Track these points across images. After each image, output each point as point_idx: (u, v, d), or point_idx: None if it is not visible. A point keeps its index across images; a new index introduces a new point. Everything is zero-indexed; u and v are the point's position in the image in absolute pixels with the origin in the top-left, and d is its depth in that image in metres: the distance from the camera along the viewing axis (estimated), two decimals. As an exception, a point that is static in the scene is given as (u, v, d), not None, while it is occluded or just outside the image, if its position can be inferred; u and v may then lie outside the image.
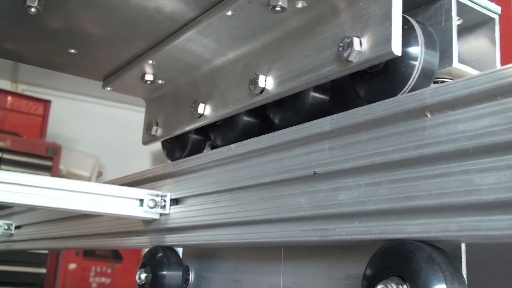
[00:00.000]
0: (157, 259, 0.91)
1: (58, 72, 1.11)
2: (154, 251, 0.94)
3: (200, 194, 0.87)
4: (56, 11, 0.82)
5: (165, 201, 0.94)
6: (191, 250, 0.99)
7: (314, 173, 0.64)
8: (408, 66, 0.60)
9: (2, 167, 3.43)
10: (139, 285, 0.93)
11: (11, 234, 1.62)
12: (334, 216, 0.60)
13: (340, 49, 0.62)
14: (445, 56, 0.64)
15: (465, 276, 0.52)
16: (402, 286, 0.50)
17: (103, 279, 3.91)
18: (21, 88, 4.39)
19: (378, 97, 0.59)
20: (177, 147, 1.02)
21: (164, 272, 0.90)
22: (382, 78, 0.63)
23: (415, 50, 0.60)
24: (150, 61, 0.94)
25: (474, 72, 0.65)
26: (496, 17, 0.68)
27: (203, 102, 0.90)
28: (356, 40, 0.60)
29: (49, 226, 1.42)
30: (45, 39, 0.94)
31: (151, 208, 0.94)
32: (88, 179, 4.07)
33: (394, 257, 0.52)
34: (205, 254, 0.95)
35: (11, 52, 1.02)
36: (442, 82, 0.65)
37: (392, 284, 0.50)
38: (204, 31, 0.81)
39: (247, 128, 0.87)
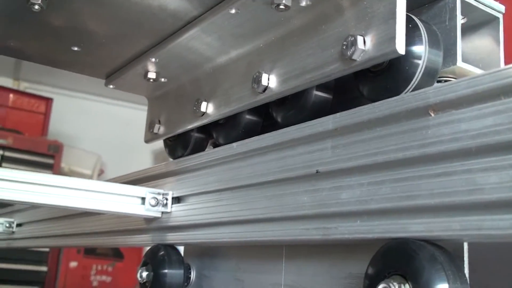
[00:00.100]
0: (159, 258, 0.91)
1: (60, 70, 1.11)
2: (155, 249, 0.94)
3: (202, 192, 0.87)
4: (59, 8, 0.82)
5: (167, 199, 0.94)
6: (193, 249, 0.99)
7: (317, 172, 0.64)
8: (411, 65, 0.60)
9: (4, 165, 3.44)
10: (140, 283, 0.93)
11: (13, 232, 1.62)
12: (336, 215, 0.60)
13: (344, 47, 0.62)
14: (449, 55, 0.63)
15: (467, 275, 0.52)
16: (404, 285, 0.49)
17: (104, 277, 3.92)
18: (23, 86, 4.40)
19: (382, 96, 0.59)
20: (179, 145, 1.02)
21: (166, 271, 0.89)
22: (385, 76, 0.62)
23: (419, 49, 0.60)
24: (153, 59, 0.94)
25: (477, 71, 0.65)
26: (500, 16, 0.68)
27: (205, 101, 0.90)
28: (360, 39, 0.60)
29: (51, 224, 1.42)
30: (48, 37, 0.94)
31: (153, 206, 0.94)
32: (90, 177, 4.07)
33: (396, 256, 0.52)
34: (207, 253, 0.95)
35: (14, 49, 1.02)
36: (445, 81, 0.65)
37: (394, 283, 0.50)
38: (208, 29, 0.81)
39: (249, 127, 0.87)
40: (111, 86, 1.10)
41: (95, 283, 3.88)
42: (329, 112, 0.65)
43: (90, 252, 3.88)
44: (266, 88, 0.75)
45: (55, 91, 4.38)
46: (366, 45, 0.59)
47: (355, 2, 0.62)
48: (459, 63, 0.63)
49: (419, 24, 0.61)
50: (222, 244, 0.85)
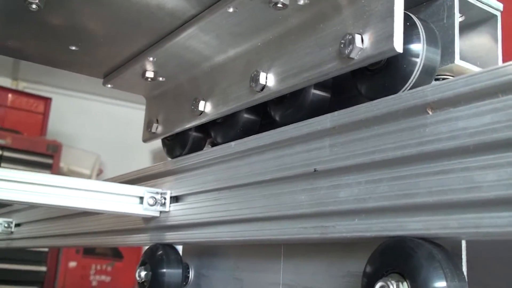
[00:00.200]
0: (157, 257, 0.91)
1: (59, 70, 1.11)
2: (154, 248, 0.94)
3: (200, 191, 0.87)
4: (57, 7, 0.82)
5: (165, 198, 0.94)
6: (191, 248, 0.99)
7: (315, 171, 0.64)
8: (409, 63, 0.60)
9: (3, 165, 3.43)
10: (139, 283, 0.92)
11: (11, 232, 1.62)
12: (334, 214, 0.60)
13: (342, 46, 0.62)
14: (447, 53, 0.63)
15: (465, 273, 0.51)
16: (402, 283, 0.49)
17: (103, 277, 3.92)
18: (22, 86, 4.39)
19: (379, 94, 0.59)
20: (177, 144, 1.02)
21: (164, 270, 0.89)
22: (383, 75, 0.62)
23: (417, 47, 0.60)
24: (151, 58, 0.93)
25: (475, 69, 0.64)
26: (498, 14, 0.67)
27: (203, 100, 0.90)
28: (357, 37, 0.60)
29: (49, 224, 1.42)
30: (46, 36, 0.94)
31: (151, 205, 0.93)
32: (89, 177, 4.07)
33: (394, 254, 0.52)
34: (205, 252, 0.95)
35: (12, 49, 1.02)
36: (443, 79, 0.64)
37: (392, 281, 0.50)
38: (205, 28, 0.81)
39: (247, 126, 0.87)
40: (109, 86, 1.09)
41: (94, 283, 3.87)
42: (327, 110, 0.65)
43: (89, 252, 3.87)
44: (264, 86, 0.75)
45: (53, 91, 4.37)
46: (364, 43, 0.59)
47: (353, 0, 0.62)
48: (457, 61, 0.63)
49: (417, 22, 0.61)
50: (221, 243, 0.85)
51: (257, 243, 0.80)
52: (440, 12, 0.65)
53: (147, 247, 0.97)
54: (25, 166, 3.49)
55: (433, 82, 0.61)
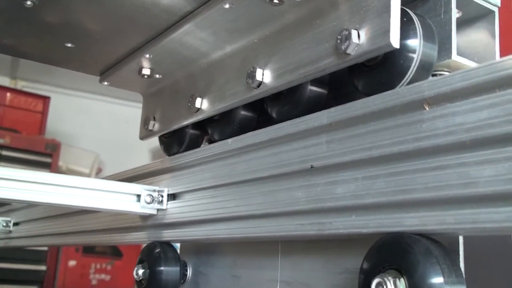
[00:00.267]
0: (155, 255, 0.91)
1: (57, 68, 1.11)
2: (151, 246, 0.93)
3: (197, 189, 0.87)
4: (52, 4, 0.82)
5: (162, 196, 0.94)
6: (189, 246, 0.98)
7: (311, 167, 0.63)
8: (406, 58, 0.60)
9: (1, 164, 3.43)
10: (136, 281, 0.92)
11: (10, 231, 1.62)
12: (331, 210, 0.60)
13: (338, 41, 0.61)
14: (444, 48, 0.63)
15: (462, 269, 0.51)
16: (399, 279, 0.49)
17: (103, 276, 3.92)
18: (20, 85, 4.38)
19: (376, 90, 0.58)
20: (174, 142, 1.02)
21: (162, 268, 0.89)
22: (380, 70, 0.62)
23: (414, 42, 0.60)
24: (147, 55, 0.93)
25: (473, 65, 0.64)
26: (496, 9, 0.67)
27: (200, 96, 0.89)
28: (354, 33, 0.59)
29: (47, 222, 1.42)
30: (41, 33, 0.93)
31: (148, 203, 0.93)
32: (88, 175, 4.06)
33: (391, 250, 0.51)
34: (203, 250, 0.94)
35: (8, 46, 1.01)
36: (440, 74, 0.64)
37: (389, 277, 0.50)
38: (202, 24, 0.80)
39: (244, 122, 0.87)
40: (106, 83, 1.09)
41: (94, 282, 3.87)
42: (324, 107, 0.65)
43: (89, 250, 3.87)
44: (260, 83, 0.75)
45: (52, 90, 4.37)
46: (360, 39, 0.59)
47: (349, -5, 0.62)
48: (454, 56, 0.62)
49: (413, 18, 0.61)
50: (218, 240, 0.85)
51: (254, 240, 0.79)
52: (437, 8, 0.65)
53: (144, 245, 0.97)
54: (24, 165, 3.48)
55: (430, 78, 0.61)
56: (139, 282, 0.92)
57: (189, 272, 0.96)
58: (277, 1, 0.68)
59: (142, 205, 0.92)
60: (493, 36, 0.67)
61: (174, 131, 1.01)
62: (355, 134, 0.59)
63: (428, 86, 0.51)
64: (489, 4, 0.67)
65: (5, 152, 3.51)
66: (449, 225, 0.47)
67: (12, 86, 4.29)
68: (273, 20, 0.74)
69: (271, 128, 0.72)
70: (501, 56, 0.66)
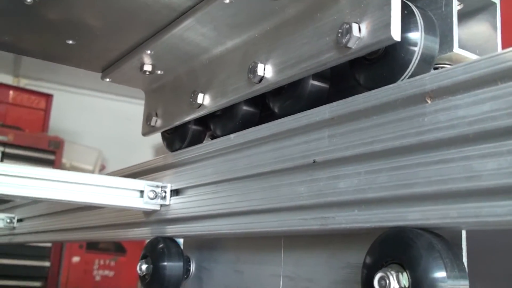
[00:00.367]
0: (158, 250, 0.91)
1: (60, 66, 1.11)
2: (155, 242, 0.93)
3: (200, 184, 0.87)
4: (53, 0, 0.82)
5: (165, 192, 0.94)
6: (192, 241, 0.99)
7: (314, 162, 0.63)
8: (407, 51, 0.59)
9: (5, 161, 3.44)
10: (140, 276, 0.93)
11: (14, 227, 1.63)
12: (334, 205, 0.60)
13: (339, 35, 0.61)
14: (446, 41, 0.63)
15: (465, 263, 0.51)
16: (402, 273, 0.49)
17: (106, 272, 3.93)
18: (23, 82, 4.39)
19: (378, 84, 0.58)
20: (176, 138, 1.02)
21: (165, 263, 0.89)
22: (381, 64, 0.62)
23: (415, 35, 0.60)
24: (149, 51, 0.93)
25: (474, 57, 0.64)
26: (497, 1, 0.67)
27: (202, 92, 0.89)
28: (355, 26, 0.59)
29: (51, 218, 1.42)
30: (42, 30, 0.93)
31: (152, 199, 0.93)
32: (91, 172, 4.07)
33: (394, 245, 0.51)
34: (206, 245, 0.95)
35: (10, 44, 1.01)
36: (442, 67, 0.64)
37: (392, 272, 0.49)
38: (202, 19, 0.80)
39: (246, 118, 0.87)
40: (107, 80, 1.09)
41: (97, 278, 3.89)
42: (326, 101, 0.65)
43: (93, 247, 3.89)
44: (262, 78, 0.75)
45: (55, 87, 4.37)
46: (361, 32, 0.59)
47: (350, -11, 0.61)
48: (456, 49, 0.62)
49: (414, 11, 0.60)
50: (221, 235, 0.85)
51: (257, 235, 0.79)
52: (438, 0, 0.65)
53: (148, 241, 0.97)
54: (27, 163, 3.49)
55: (432, 71, 0.61)
56: (142, 277, 0.92)
57: (192, 267, 0.96)
58: (277, -4, 0.68)
59: (145, 200, 0.92)
60: (495, 28, 0.67)
61: (177, 127, 1.01)
62: (357, 128, 0.58)
63: (430, 79, 0.51)
64: (491, -4, 0.67)
65: (8, 150, 3.52)
66: (451, 219, 0.47)
67: (15, 84, 4.30)
68: (274, 14, 0.73)
69: (273, 123, 0.72)
70: (502, 48, 0.66)
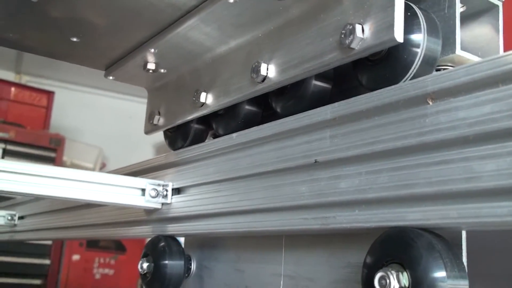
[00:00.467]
0: (159, 249, 0.91)
1: (62, 63, 1.11)
2: (156, 240, 0.94)
3: (201, 183, 0.87)
4: (58, -2, 0.82)
5: (167, 190, 0.94)
6: (193, 240, 0.99)
7: (315, 162, 0.64)
8: (410, 53, 0.60)
9: (6, 158, 3.44)
10: (141, 274, 0.93)
11: (15, 225, 1.63)
12: (335, 204, 0.60)
13: (342, 36, 0.61)
14: (448, 43, 0.63)
15: (465, 263, 0.51)
16: (402, 273, 0.49)
17: (106, 270, 3.94)
18: (25, 79, 4.40)
19: (380, 85, 0.59)
20: (179, 136, 1.02)
21: (166, 262, 0.90)
22: (384, 65, 0.62)
23: (418, 37, 0.60)
24: (152, 50, 0.93)
25: (476, 59, 0.64)
26: (500, 4, 0.67)
27: (205, 91, 0.90)
28: (358, 27, 0.59)
29: (52, 216, 1.43)
30: (47, 28, 0.94)
31: (153, 197, 0.94)
32: (92, 170, 4.07)
33: (394, 245, 0.52)
34: (207, 244, 0.95)
35: (13, 41, 1.02)
36: (444, 69, 0.64)
37: (392, 272, 0.50)
38: (206, 18, 0.81)
39: (249, 117, 0.87)
40: (111, 78, 1.09)
41: (97, 276, 3.89)
42: (329, 101, 0.65)
43: (93, 245, 3.89)
44: (265, 78, 0.75)
45: (56, 85, 4.38)
46: (364, 33, 0.59)
47: (353, -10, 0.62)
48: (458, 51, 0.62)
49: (417, 12, 0.61)
50: (222, 234, 0.85)
51: (258, 235, 0.80)
52: (441, 2, 0.65)
53: (149, 239, 0.97)
54: (28, 160, 3.50)
55: (434, 73, 0.61)
56: (143, 276, 0.92)
57: (193, 266, 0.96)
58: (281, -4, 0.69)
59: (147, 199, 0.93)
60: (497, 30, 0.67)
61: (179, 126, 1.02)
62: (359, 129, 0.59)
63: (432, 81, 0.51)
64: (494, -1, 0.67)
65: (9, 147, 3.53)
66: (452, 219, 0.48)
67: (16, 81, 4.31)
68: (278, 14, 0.74)
69: (275, 123, 0.72)
70: (505, 50, 0.66)
